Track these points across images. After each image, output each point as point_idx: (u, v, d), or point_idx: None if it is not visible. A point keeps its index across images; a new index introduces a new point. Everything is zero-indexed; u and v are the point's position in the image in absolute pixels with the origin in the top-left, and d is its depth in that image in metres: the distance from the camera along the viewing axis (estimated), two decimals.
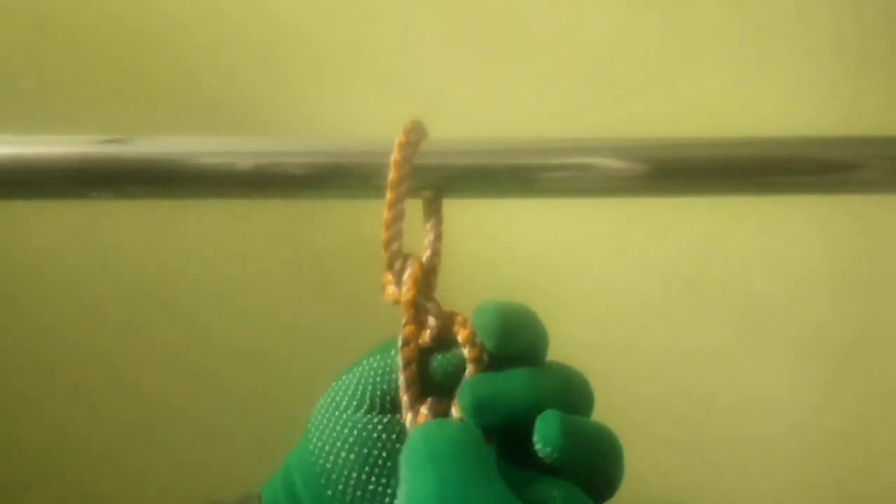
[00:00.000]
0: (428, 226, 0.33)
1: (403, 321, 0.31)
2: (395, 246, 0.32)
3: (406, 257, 0.32)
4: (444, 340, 0.31)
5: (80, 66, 0.63)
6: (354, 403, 0.31)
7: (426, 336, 0.31)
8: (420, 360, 0.31)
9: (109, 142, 0.35)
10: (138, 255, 0.67)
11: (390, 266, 0.32)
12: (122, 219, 0.65)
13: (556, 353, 0.68)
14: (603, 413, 0.67)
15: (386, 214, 0.31)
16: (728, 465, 0.71)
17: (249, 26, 0.63)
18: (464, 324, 0.31)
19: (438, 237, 0.33)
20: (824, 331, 0.68)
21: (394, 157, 0.32)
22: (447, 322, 0.31)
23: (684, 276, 0.67)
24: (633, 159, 0.35)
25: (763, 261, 0.66)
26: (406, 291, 0.31)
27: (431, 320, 0.31)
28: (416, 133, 0.33)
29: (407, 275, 0.31)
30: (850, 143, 0.34)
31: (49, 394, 0.70)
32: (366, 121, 0.58)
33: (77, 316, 0.68)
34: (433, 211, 0.33)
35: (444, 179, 0.33)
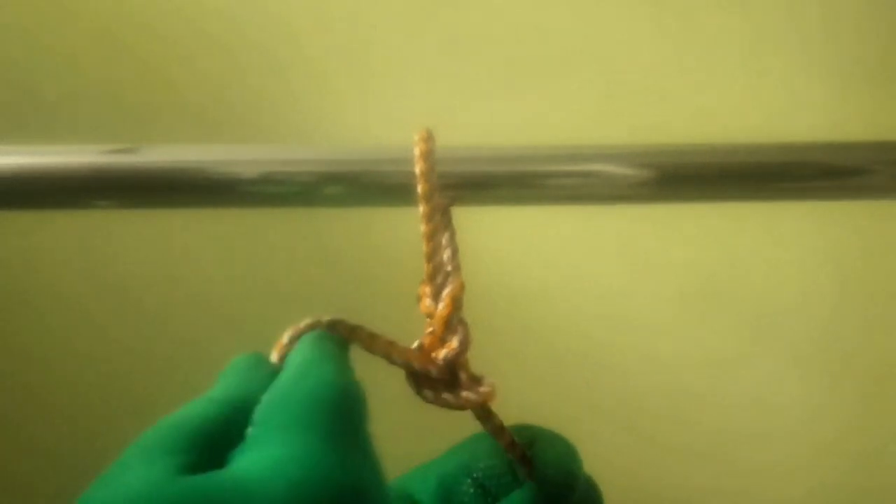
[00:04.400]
0: (444, 240, 0.32)
1: (429, 329, 0.31)
2: (437, 259, 0.31)
3: (448, 273, 0.31)
4: (451, 369, 0.31)
5: (86, 76, 0.63)
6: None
7: (441, 355, 0.30)
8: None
9: (117, 151, 0.35)
10: (141, 262, 0.67)
11: (431, 279, 0.31)
12: (126, 226, 0.64)
13: (564, 357, 0.68)
14: (612, 418, 0.68)
15: (424, 227, 0.31)
16: (733, 462, 0.70)
17: (256, 36, 0.63)
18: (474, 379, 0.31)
19: (456, 251, 0.32)
20: (829, 330, 0.68)
21: (419, 167, 0.31)
22: (462, 357, 0.31)
23: (693, 281, 0.67)
24: (640, 166, 0.35)
25: (772, 267, 0.67)
26: (444, 308, 0.31)
27: (454, 342, 0.30)
28: (431, 140, 0.32)
29: (447, 292, 0.31)
30: (857, 149, 0.35)
31: (50, 395, 0.70)
32: (372, 129, 0.59)
33: (80, 320, 0.68)
34: (446, 223, 0.32)
35: (453, 188, 0.33)
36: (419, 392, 0.30)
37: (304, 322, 0.29)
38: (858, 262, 0.67)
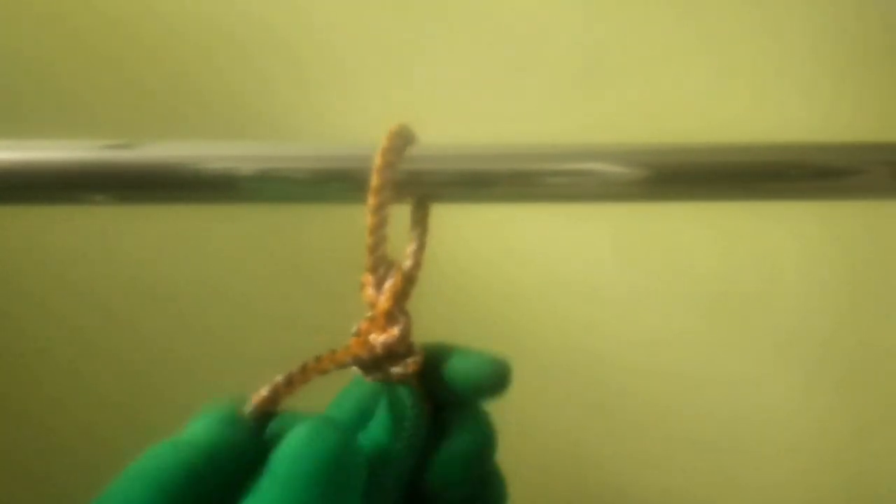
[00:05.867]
0: (413, 234, 0.33)
1: (368, 315, 0.32)
2: (379, 251, 0.32)
3: (390, 264, 0.32)
4: (393, 354, 0.32)
5: (84, 70, 0.64)
6: None
7: (379, 340, 0.31)
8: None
9: (113, 147, 0.35)
10: (139, 257, 0.68)
11: (373, 270, 0.32)
12: (124, 221, 0.65)
13: (558, 356, 0.68)
14: (605, 422, 0.68)
15: (370, 219, 0.32)
16: (733, 476, 0.71)
17: (252, 32, 0.64)
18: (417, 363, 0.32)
19: (421, 247, 0.33)
20: (833, 340, 0.68)
21: (376, 161, 0.32)
22: (405, 344, 0.32)
23: (689, 286, 0.67)
24: (632, 165, 0.35)
25: (770, 270, 0.66)
26: (384, 300, 0.32)
27: (395, 331, 0.31)
28: (401, 138, 0.33)
29: (388, 284, 0.32)
30: (850, 149, 0.34)
31: (56, 388, 0.70)
32: (356, 126, 0.59)
33: (82, 315, 0.69)
34: (419, 219, 0.34)
35: (431, 186, 0.33)
36: (365, 374, 0.32)
37: (262, 391, 0.31)
38: (865, 265, 0.67)
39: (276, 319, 0.67)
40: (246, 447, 0.27)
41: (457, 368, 0.31)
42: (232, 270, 0.67)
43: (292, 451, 0.26)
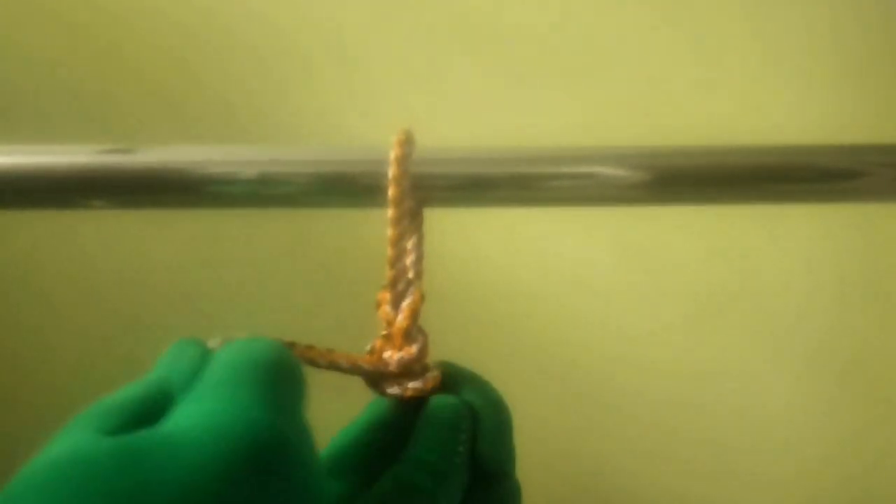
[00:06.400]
0: (410, 244, 0.32)
1: (382, 332, 0.31)
2: (400, 264, 0.31)
3: (410, 281, 0.31)
4: (407, 372, 0.31)
5: (94, 72, 0.64)
6: None
7: (395, 357, 0.30)
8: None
9: (113, 151, 0.35)
10: (151, 260, 0.68)
11: (393, 286, 0.31)
12: (136, 224, 0.65)
13: (558, 355, 0.68)
14: (605, 419, 0.68)
15: (390, 232, 0.31)
16: (731, 473, 0.71)
17: (253, 36, 0.64)
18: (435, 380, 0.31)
19: (420, 258, 0.32)
20: (829, 338, 0.68)
21: (392, 172, 0.31)
22: (421, 362, 0.31)
23: (689, 285, 0.67)
24: (634, 168, 0.35)
25: (768, 268, 0.66)
26: (403, 319, 0.31)
27: (413, 348, 0.31)
28: (409, 144, 0.32)
29: (407, 303, 0.31)
30: (852, 151, 0.34)
31: (66, 391, 0.70)
32: (362, 128, 0.59)
33: (93, 319, 0.69)
34: (416, 226, 0.32)
35: (432, 190, 0.33)
36: (374, 389, 0.31)
37: (240, 336, 0.29)
38: (860, 265, 0.67)
39: (286, 322, 0.67)
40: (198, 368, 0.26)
41: (486, 442, 0.30)
42: (241, 273, 0.67)
43: (226, 356, 0.25)
